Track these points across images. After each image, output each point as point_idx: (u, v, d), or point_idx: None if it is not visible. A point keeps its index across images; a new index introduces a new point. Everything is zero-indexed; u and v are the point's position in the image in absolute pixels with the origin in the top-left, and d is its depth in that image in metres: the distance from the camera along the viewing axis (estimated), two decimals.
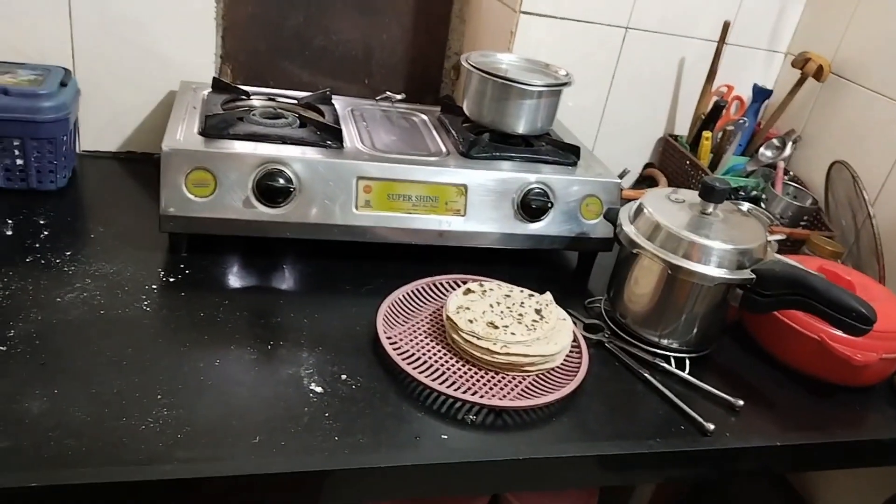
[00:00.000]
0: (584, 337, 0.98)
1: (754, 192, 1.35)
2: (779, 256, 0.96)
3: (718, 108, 1.43)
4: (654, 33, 1.39)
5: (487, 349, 0.87)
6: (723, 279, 0.92)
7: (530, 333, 0.90)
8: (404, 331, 0.93)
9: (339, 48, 1.44)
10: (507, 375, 0.88)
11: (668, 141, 1.51)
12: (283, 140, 1.02)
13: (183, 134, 0.99)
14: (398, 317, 0.95)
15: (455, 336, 0.90)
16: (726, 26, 1.40)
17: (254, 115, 1.10)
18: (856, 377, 0.98)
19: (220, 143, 0.99)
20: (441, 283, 1.04)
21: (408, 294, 1.00)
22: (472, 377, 0.87)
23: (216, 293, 0.95)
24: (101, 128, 1.27)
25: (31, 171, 1.09)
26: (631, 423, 0.86)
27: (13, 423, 0.69)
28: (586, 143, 1.32)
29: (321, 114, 1.16)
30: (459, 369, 0.88)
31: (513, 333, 0.89)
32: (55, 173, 1.11)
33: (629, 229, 0.99)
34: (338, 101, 1.25)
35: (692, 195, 1.01)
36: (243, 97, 1.19)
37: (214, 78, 1.21)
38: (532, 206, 1.07)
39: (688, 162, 1.42)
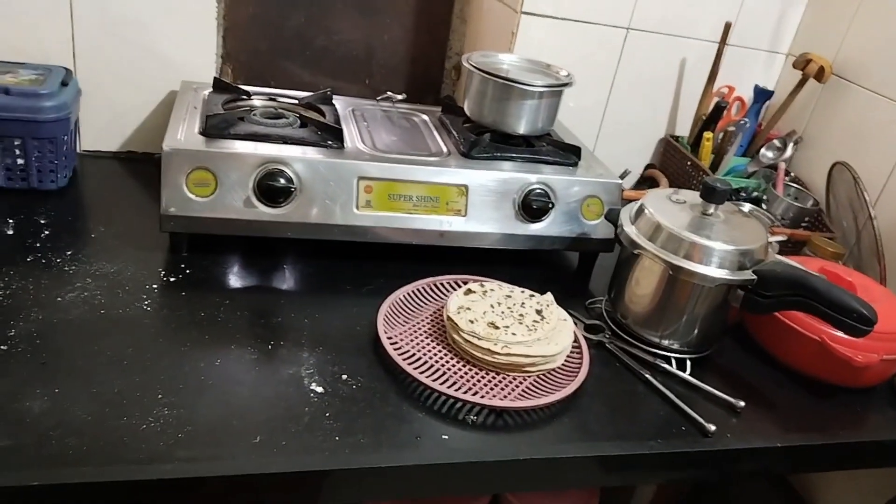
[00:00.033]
0: (585, 337, 0.98)
1: (755, 193, 1.35)
2: (780, 257, 0.96)
3: (719, 109, 1.44)
4: (655, 34, 1.40)
5: (488, 349, 0.87)
6: (724, 280, 0.92)
7: (531, 334, 0.90)
8: (405, 331, 0.93)
9: (340, 48, 1.44)
10: (508, 376, 0.88)
11: (669, 142, 1.51)
12: (284, 140, 1.02)
13: (184, 134, 0.99)
14: (399, 317, 0.95)
15: (456, 336, 0.90)
16: (727, 27, 1.40)
17: (255, 115, 1.10)
18: (856, 378, 0.98)
19: (220, 142, 0.99)
20: (442, 284, 1.03)
21: (408, 294, 1.00)
22: (472, 377, 0.87)
23: (217, 293, 0.95)
24: (102, 127, 1.27)
25: (31, 171, 1.09)
26: (632, 424, 0.86)
27: (14, 422, 0.69)
28: (587, 143, 1.32)
29: (322, 114, 1.16)
30: (460, 369, 0.88)
31: (514, 334, 0.89)
32: (56, 173, 1.11)
33: (630, 230, 0.99)
34: (339, 102, 1.25)
35: (693, 196, 1.01)
36: (244, 97, 1.19)
37: (215, 78, 1.21)
38: (533, 206, 1.07)
39: (689, 163, 1.42)
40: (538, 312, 0.95)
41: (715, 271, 0.92)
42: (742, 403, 0.91)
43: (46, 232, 1.01)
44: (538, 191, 1.08)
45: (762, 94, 1.49)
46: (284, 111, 1.15)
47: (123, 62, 1.23)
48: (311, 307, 0.95)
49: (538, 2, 1.29)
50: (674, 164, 1.48)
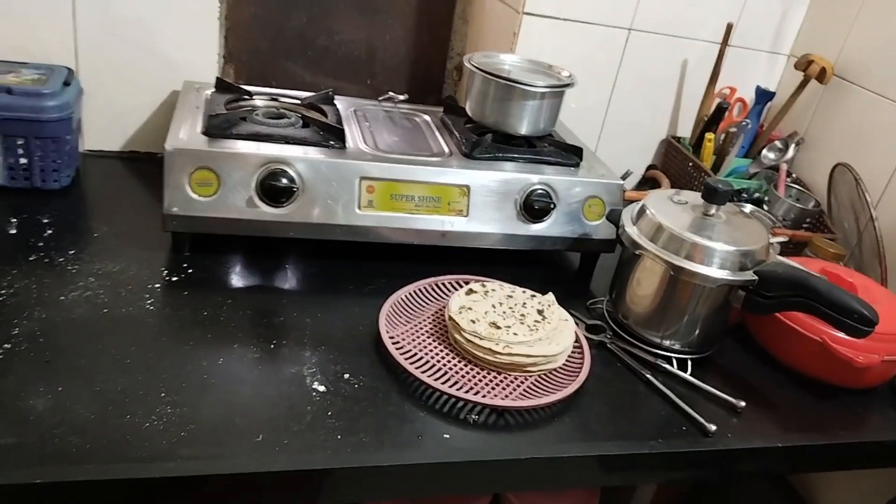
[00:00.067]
0: (586, 338, 0.98)
1: (757, 195, 1.35)
2: (781, 258, 0.96)
3: (721, 110, 1.44)
4: (656, 35, 1.40)
5: (490, 349, 0.87)
6: (725, 280, 0.92)
7: (532, 334, 0.90)
8: (407, 331, 0.93)
9: (341, 48, 1.44)
10: (510, 375, 0.88)
11: (671, 143, 1.51)
12: (286, 140, 1.02)
13: (186, 133, 1.00)
14: (401, 317, 0.95)
15: (457, 336, 0.90)
16: (729, 28, 1.40)
17: (257, 114, 1.10)
18: (857, 379, 0.98)
19: (223, 142, 0.99)
20: (443, 284, 1.04)
21: (410, 294, 1.00)
22: (474, 377, 0.87)
23: (219, 292, 0.95)
24: (105, 127, 1.28)
25: (34, 171, 1.10)
26: (633, 424, 0.86)
27: (17, 421, 0.69)
28: (589, 144, 1.32)
29: (324, 114, 1.16)
30: (462, 369, 0.88)
31: (515, 334, 0.89)
32: (59, 172, 1.12)
33: (631, 230, 0.99)
34: (340, 102, 1.25)
35: (695, 197, 1.01)
36: (246, 97, 1.19)
37: (217, 78, 1.21)
38: (534, 206, 1.07)
39: (690, 164, 1.42)
40: (539, 312, 0.95)
41: (716, 272, 0.92)
42: (743, 404, 0.91)
43: (49, 231, 1.02)
44: (540, 191, 1.08)
45: (764, 96, 1.49)
46: (286, 111, 1.15)
47: (126, 62, 1.23)
48: (314, 307, 0.95)
49: (540, 2, 1.29)
50: (675, 165, 1.48)
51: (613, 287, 1.05)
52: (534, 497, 1.30)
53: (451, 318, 0.91)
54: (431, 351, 0.90)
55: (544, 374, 0.90)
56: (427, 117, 1.28)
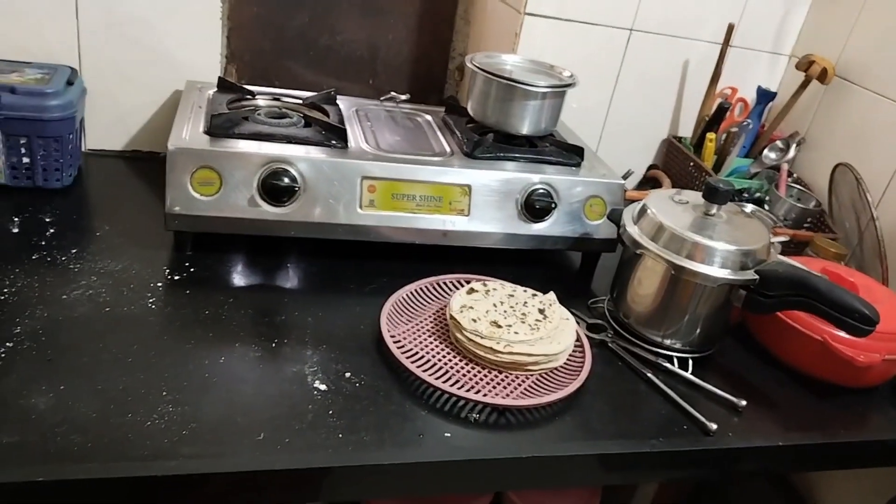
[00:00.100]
0: (588, 337, 0.98)
1: (758, 194, 1.35)
2: (782, 258, 0.96)
3: (722, 110, 1.44)
4: (658, 35, 1.40)
5: (491, 348, 0.87)
6: (726, 280, 0.92)
7: (533, 333, 0.90)
8: (408, 329, 0.93)
9: (343, 48, 1.44)
10: (511, 374, 0.88)
11: (672, 142, 1.51)
12: (288, 139, 1.03)
13: (188, 133, 1.00)
14: (402, 316, 0.96)
15: (458, 335, 0.90)
16: (730, 29, 1.40)
17: (259, 114, 1.10)
18: (858, 378, 0.98)
19: (225, 142, 0.99)
20: (445, 283, 1.04)
21: (411, 293, 1.00)
22: (475, 376, 0.87)
23: (221, 291, 0.95)
24: (107, 127, 1.28)
25: (37, 170, 1.10)
26: (634, 423, 0.86)
27: (20, 419, 0.69)
28: (590, 144, 1.32)
29: (326, 114, 1.17)
30: (463, 368, 0.88)
31: (516, 333, 0.89)
32: (61, 171, 1.12)
33: (633, 230, 0.99)
34: (342, 102, 1.25)
35: (696, 196, 1.01)
36: (248, 97, 1.19)
37: (220, 77, 1.21)
38: (536, 206, 1.07)
39: (691, 164, 1.42)
40: (541, 312, 0.95)
41: (717, 271, 0.92)
42: (744, 403, 0.91)
43: (51, 230, 1.02)
44: (541, 191, 1.08)
45: (765, 96, 1.49)
46: (288, 111, 1.15)
47: (128, 62, 1.24)
48: (315, 306, 0.96)
49: (542, 3, 1.29)
50: (677, 164, 1.48)
51: (614, 286, 1.05)
52: (535, 496, 1.31)
53: (452, 317, 0.91)
54: (433, 350, 0.90)
55: (545, 373, 0.90)
56: (429, 117, 1.28)
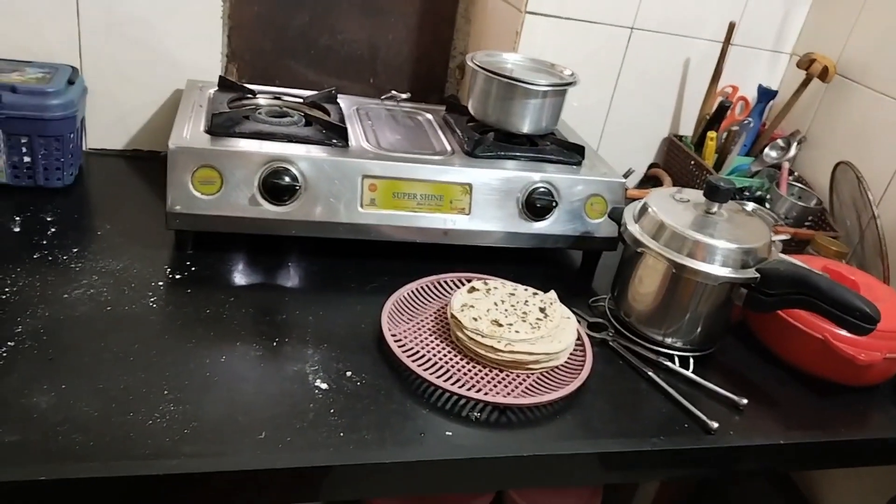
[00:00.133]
0: (588, 335, 0.98)
1: (759, 193, 1.35)
2: (783, 256, 0.96)
3: (723, 109, 1.44)
4: (659, 34, 1.40)
5: (492, 347, 0.87)
6: (727, 278, 0.92)
7: (534, 331, 0.90)
8: (409, 328, 0.93)
9: (344, 48, 1.44)
10: (512, 373, 0.88)
11: (673, 141, 1.51)
12: (289, 138, 1.03)
13: (189, 132, 1.00)
14: (403, 314, 0.96)
15: (459, 334, 0.90)
16: (731, 27, 1.40)
17: (260, 113, 1.10)
18: (859, 376, 0.98)
19: (226, 141, 0.99)
20: (445, 282, 1.04)
21: (412, 292, 1.00)
22: (476, 374, 0.87)
23: (222, 290, 0.95)
24: (108, 126, 1.28)
25: (38, 169, 1.10)
26: (635, 421, 0.86)
27: (21, 418, 0.69)
28: (591, 142, 1.32)
29: (327, 113, 1.17)
30: (464, 367, 0.88)
31: (517, 331, 0.89)
32: (62, 171, 1.12)
33: (634, 228, 0.99)
34: (343, 101, 1.25)
35: (697, 195, 1.01)
36: (249, 96, 1.20)
37: (221, 77, 1.22)
38: (536, 205, 1.07)
39: (692, 162, 1.42)
40: (542, 310, 0.95)
41: (718, 269, 0.92)
42: (745, 401, 0.91)
43: (53, 229, 1.02)
44: (542, 189, 1.08)
45: (766, 94, 1.49)
46: (289, 110, 1.15)
47: (129, 61, 1.24)
48: (316, 305, 0.96)
49: (542, 1, 1.29)
50: (677, 163, 1.48)
51: (615, 285, 1.05)
52: (536, 495, 1.31)
53: (453, 316, 0.91)
54: (434, 349, 0.90)
55: (546, 372, 0.90)
56: (429, 116, 1.28)
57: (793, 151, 1.40)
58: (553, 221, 1.10)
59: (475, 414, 0.82)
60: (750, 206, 1.26)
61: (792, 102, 1.42)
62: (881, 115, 1.30)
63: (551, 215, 1.10)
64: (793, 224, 1.32)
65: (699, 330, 0.97)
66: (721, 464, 0.88)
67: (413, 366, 0.85)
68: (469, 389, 0.83)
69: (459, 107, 1.27)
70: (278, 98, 1.22)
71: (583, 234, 1.12)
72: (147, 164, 1.28)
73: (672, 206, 0.99)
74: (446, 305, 0.97)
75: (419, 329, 0.94)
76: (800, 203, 1.34)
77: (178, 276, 0.96)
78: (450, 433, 0.78)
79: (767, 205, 1.32)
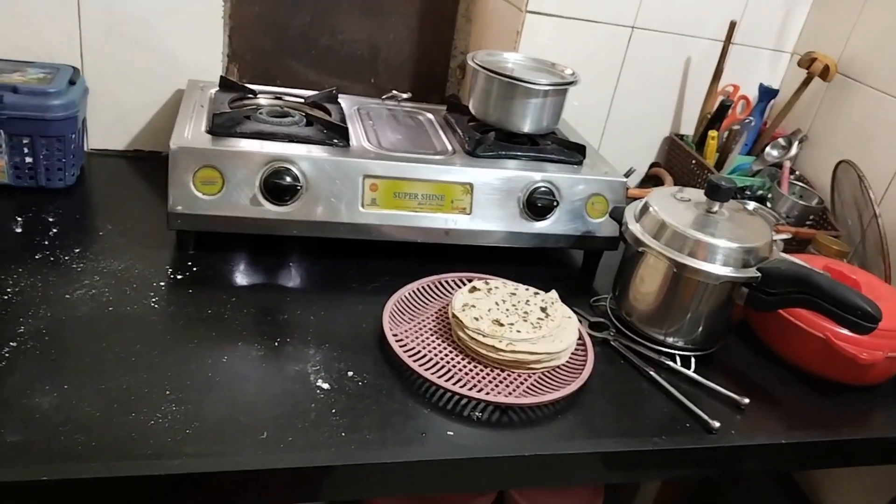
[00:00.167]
0: (590, 335, 0.98)
1: (760, 192, 1.35)
2: (784, 255, 0.96)
3: (724, 108, 1.44)
4: (660, 33, 1.40)
5: (493, 346, 0.87)
6: (728, 277, 0.92)
7: (536, 331, 0.90)
8: (410, 328, 0.93)
9: (345, 48, 1.44)
10: (513, 373, 0.88)
11: (674, 140, 1.51)
12: (290, 138, 1.03)
13: (191, 132, 1.00)
14: (404, 314, 0.96)
15: (461, 333, 0.90)
16: (732, 26, 1.40)
17: (261, 113, 1.10)
18: (861, 376, 0.98)
19: (227, 141, 0.99)
20: (447, 281, 1.04)
21: (413, 292, 1.00)
22: (477, 374, 0.87)
23: (223, 290, 0.95)
24: (109, 126, 1.28)
25: (39, 169, 1.10)
26: (636, 421, 0.86)
27: (23, 418, 0.69)
28: (592, 142, 1.32)
29: (328, 112, 1.17)
30: (465, 366, 0.88)
31: (518, 331, 0.89)
32: (64, 171, 1.12)
33: (635, 228, 0.99)
34: (344, 100, 1.25)
35: (698, 194, 1.01)
36: (250, 96, 1.20)
37: (221, 77, 1.22)
38: (538, 204, 1.07)
39: (693, 161, 1.42)
40: (543, 310, 0.95)
41: (719, 269, 0.92)
42: (746, 400, 0.91)
43: (54, 230, 1.02)
44: (543, 189, 1.08)
45: (767, 93, 1.49)
46: (290, 110, 1.15)
47: (130, 61, 1.24)
48: (317, 305, 0.96)
49: (543, 1, 1.29)
50: (679, 162, 1.48)
51: (617, 284, 1.05)
52: (538, 494, 1.31)
53: (454, 316, 0.91)
54: (435, 348, 0.90)
55: (548, 372, 0.90)
56: (430, 116, 1.28)
57: (794, 150, 1.40)
58: (554, 221, 1.10)
59: (476, 414, 0.82)
60: (751, 205, 1.26)
61: (793, 101, 1.42)
62: (882, 114, 1.30)
63: (552, 215, 1.10)
64: (794, 223, 1.32)
65: (700, 329, 0.97)
66: (723, 463, 0.88)
67: (414, 366, 0.85)
68: (470, 389, 0.83)
69: (460, 106, 1.27)
70: (279, 98, 1.22)
71: (584, 234, 1.12)
72: (148, 164, 1.28)
73: (673, 206, 0.99)
74: (447, 305, 0.97)
75: (420, 329, 0.94)
76: (801, 202, 1.34)
77: (179, 277, 0.96)
78: (451, 433, 0.78)
79: (769, 204, 1.32)
